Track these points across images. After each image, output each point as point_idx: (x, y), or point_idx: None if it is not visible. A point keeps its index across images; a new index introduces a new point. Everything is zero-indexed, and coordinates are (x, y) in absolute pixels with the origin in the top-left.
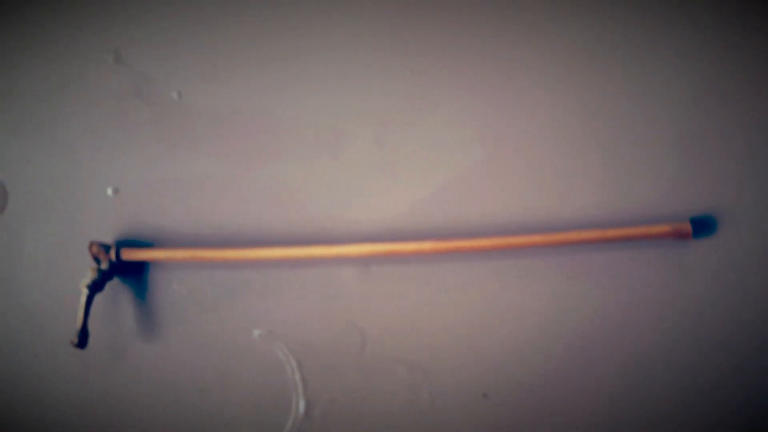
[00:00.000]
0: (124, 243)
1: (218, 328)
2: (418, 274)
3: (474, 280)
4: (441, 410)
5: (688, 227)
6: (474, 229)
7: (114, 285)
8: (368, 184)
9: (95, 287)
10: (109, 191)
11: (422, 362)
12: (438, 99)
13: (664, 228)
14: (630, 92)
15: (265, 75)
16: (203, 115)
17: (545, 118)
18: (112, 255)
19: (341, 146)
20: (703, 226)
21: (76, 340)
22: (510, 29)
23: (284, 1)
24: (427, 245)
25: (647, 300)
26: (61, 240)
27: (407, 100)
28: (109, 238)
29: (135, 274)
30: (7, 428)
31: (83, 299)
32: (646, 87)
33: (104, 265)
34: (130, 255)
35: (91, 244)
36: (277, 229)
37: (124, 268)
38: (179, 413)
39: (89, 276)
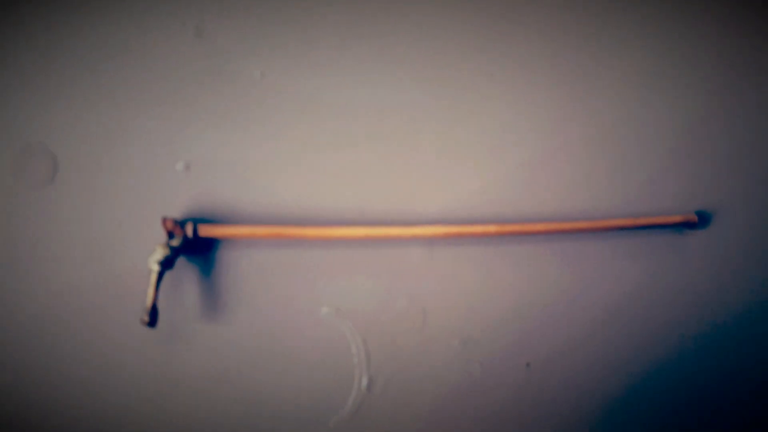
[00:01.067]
0: (198, 220)
1: (286, 306)
2: (476, 255)
3: (523, 261)
4: (490, 379)
5: (694, 217)
6: (526, 215)
7: (179, 263)
8: (434, 172)
9: (167, 264)
10: (179, 166)
11: (475, 336)
12: (500, 101)
13: (677, 217)
14: (645, 115)
15: (349, 65)
16: (285, 97)
17: (591, 129)
18: (189, 231)
19: (410, 136)
20: (702, 218)
21: (147, 318)
22: (569, 36)
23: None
24: (491, 228)
25: (658, 278)
26: (124, 213)
27: (473, 98)
28: (176, 214)
29: (202, 252)
30: (65, 409)
31: (154, 277)
32: (659, 111)
33: (176, 242)
34: (208, 231)
35: (165, 219)
36: (348, 210)
37: (193, 246)
38: (242, 390)
39: (161, 252)
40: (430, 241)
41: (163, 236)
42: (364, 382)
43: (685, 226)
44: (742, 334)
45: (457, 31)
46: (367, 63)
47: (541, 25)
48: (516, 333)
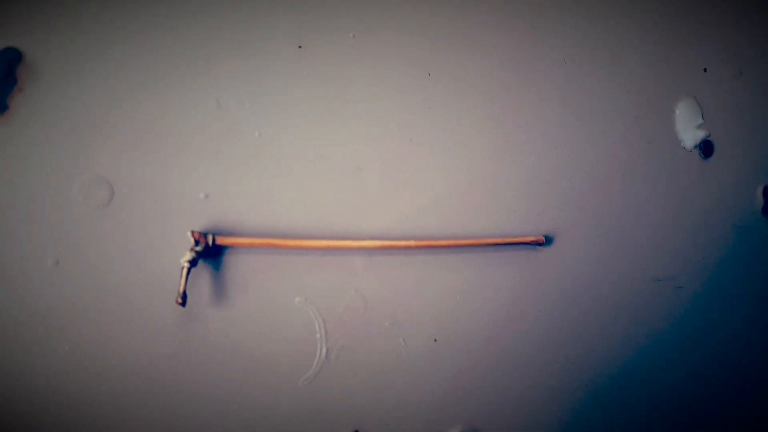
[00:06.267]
0: (214, 233)
1: (271, 296)
2: (401, 262)
3: (433, 267)
4: (410, 350)
5: (542, 239)
6: (435, 234)
7: (198, 263)
8: (375, 201)
9: (193, 263)
10: (201, 195)
11: (399, 319)
12: (418, 157)
13: (531, 238)
14: (513, 167)
15: (319, 130)
16: (276, 150)
17: (478, 174)
18: (210, 240)
19: (359, 177)
20: (547, 240)
21: (180, 300)
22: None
23: (346, 87)
24: (412, 242)
25: (521, 277)
26: (163, 228)
27: (401, 155)
28: (199, 229)
29: (214, 256)
30: (114, 368)
31: (185, 272)
32: (522, 165)
33: (200, 248)
34: (222, 240)
35: (193, 232)
36: (316, 227)
37: (209, 251)
38: (238, 357)
39: (188, 255)
40: (370, 251)
41: (189, 244)
42: (324, 351)
43: (537, 244)
44: (573, 324)
45: (387, 102)
46: (332, 129)
47: (447, 96)
48: (428, 317)
